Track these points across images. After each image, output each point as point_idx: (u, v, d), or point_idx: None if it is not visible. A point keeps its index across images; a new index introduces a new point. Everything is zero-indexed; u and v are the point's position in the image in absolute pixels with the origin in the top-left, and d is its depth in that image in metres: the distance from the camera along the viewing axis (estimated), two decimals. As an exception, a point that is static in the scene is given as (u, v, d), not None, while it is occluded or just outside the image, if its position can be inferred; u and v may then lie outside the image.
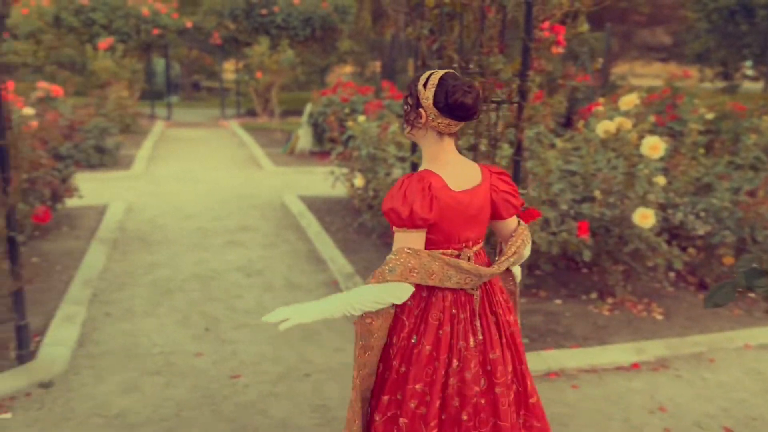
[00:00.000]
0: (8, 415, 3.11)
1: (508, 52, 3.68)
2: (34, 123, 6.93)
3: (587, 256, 4.16)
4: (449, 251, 2.01)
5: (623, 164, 4.54)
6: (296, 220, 6.96)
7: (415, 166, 3.99)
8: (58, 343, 3.85)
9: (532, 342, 4.01)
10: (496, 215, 2.10)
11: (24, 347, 3.57)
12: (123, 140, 10.89)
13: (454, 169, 2.01)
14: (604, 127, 4.68)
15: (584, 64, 11.84)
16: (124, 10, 16.36)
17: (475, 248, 2.06)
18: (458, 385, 2.00)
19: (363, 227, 6.43)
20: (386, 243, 6.00)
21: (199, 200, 7.84)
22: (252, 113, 17.71)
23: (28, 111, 6.30)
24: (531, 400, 2.15)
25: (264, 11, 17.35)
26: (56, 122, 8.87)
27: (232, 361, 3.75)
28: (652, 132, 5.44)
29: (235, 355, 3.81)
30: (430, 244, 1.99)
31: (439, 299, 2.01)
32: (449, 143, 2.01)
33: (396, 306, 2.03)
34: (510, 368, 2.08)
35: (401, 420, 2.00)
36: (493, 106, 3.77)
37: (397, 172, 5.88)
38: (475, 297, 2.03)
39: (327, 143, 11.08)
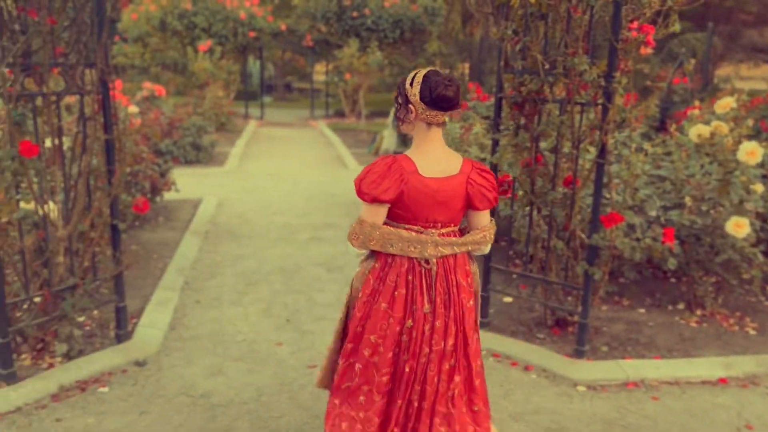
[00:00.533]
0: (106, 389, 3.37)
1: (595, 53, 3.61)
2: (138, 120, 7.40)
3: (672, 264, 4.00)
4: (415, 228, 2.27)
5: (718, 170, 4.33)
6: (378, 218, 7.08)
7: (494, 168, 3.98)
8: (152, 325, 4.12)
9: (611, 350, 3.91)
10: (470, 205, 2.33)
11: (122, 327, 3.85)
12: (218, 138, 11.44)
13: (433, 157, 2.26)
14: (698, 131, 4.48)
15: (683, 65, 11.31)
16: (223, 14, 17.14)
17: (443, 230, 2.30)
18: (408, 341, 2.29)
19: (443, 228, 6.45)
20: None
21: (286, 197, 8.12)
22: (340, 114, 18.07)
23: (133, 109, 6.73)
24: (476, 382, 2.38)
25: (355, 14, 17.68)
26: (158, 120, 9.44)
27: (310, 351, 3.88)
28: (752, 137, 5.15)
29: (314, 346, 3.95)
30: (398, 219, 2.29)
31: (396, 265, 2.29)
32: (435, 133, 2.27)
33: (369, 267, 2.37)
34: (451, 342, 2.30)
35: (357, 365, 2.35)
36: (578, 108, 3.71)
37: (479, 174, 5.86)
38: (432, 270, 2.27)
39: (411, 144, 11.19)
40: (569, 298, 4.11)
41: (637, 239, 4.19)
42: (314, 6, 18.08)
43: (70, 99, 3.80)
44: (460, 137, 6.16)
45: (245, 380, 3.53)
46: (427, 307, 2.26)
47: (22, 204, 3.39)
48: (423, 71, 2.21)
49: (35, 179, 3.37)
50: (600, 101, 3.51)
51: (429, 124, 2.24)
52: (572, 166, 3.80)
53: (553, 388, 3.51)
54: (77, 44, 3.34)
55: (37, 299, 3.46)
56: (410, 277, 2.27)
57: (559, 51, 3.60)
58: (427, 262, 2.26)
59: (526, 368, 3.71)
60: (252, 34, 17.49)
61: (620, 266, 4.51)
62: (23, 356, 3.59)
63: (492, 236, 2.39)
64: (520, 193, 3.98)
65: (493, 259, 4.12)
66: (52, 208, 3.49)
